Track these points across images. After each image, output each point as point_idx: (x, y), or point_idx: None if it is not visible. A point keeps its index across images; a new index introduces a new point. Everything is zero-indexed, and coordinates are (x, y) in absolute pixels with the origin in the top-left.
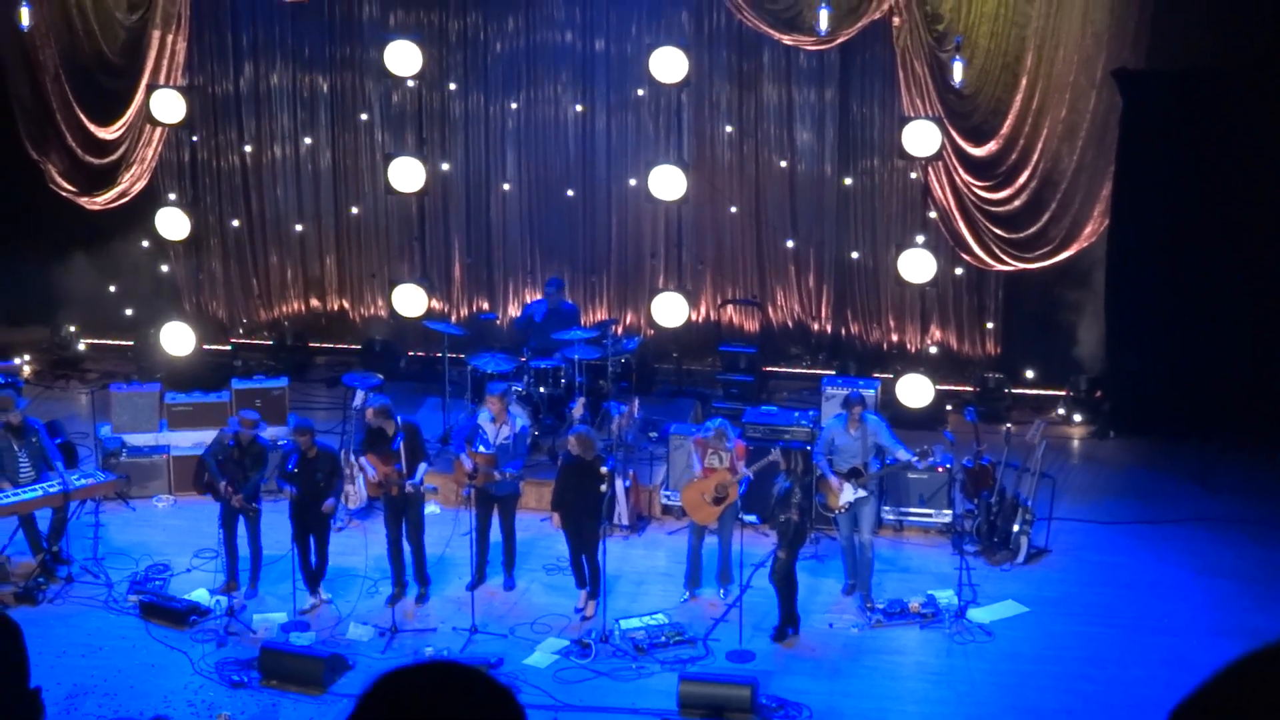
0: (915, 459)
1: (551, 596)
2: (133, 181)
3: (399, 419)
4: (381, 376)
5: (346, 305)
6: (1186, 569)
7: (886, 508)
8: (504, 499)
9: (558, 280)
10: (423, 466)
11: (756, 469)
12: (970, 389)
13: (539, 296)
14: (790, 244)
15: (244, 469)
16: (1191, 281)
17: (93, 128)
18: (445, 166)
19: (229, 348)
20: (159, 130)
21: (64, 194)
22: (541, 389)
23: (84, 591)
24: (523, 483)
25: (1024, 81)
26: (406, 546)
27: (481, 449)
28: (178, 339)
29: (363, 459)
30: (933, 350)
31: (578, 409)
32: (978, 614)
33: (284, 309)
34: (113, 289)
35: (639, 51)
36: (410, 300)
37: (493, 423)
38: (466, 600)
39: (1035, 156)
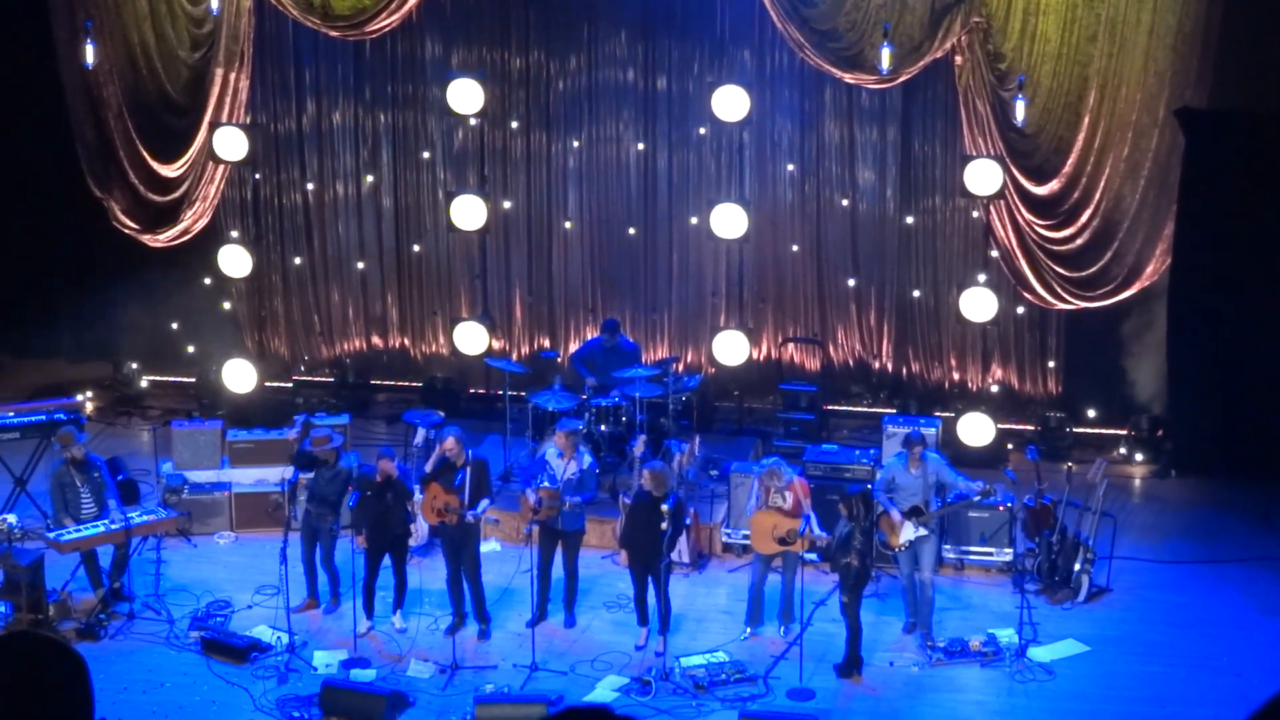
0: (977, 496)
1: (612, 634)
2: (195, 219)
3: (469, 453)
4: (443, 414)
5: (408, 343)
6: (1249, 608)
7: (947, 546)
8: (569, 535)
9: (613, 322)
10: (485, 502)
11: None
12: (1031, 428)
13: (598, 334)
14: (851, 282)
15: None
16: (1254, 321)
17: (155, 165)
18: (507, 204)
19: (291, 385)
20: (221, 168)
21: (126, 231)
22: (602, 427)
23: (146, 628)
24: (587, 520)
25: (1086, 120)
26: (465, 582)
27: (546, 484)
28: (239, 376)
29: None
30: (994, 389)
31: (638, 447)
32: (1039, 653)
33: (345, 346)
34: (175, 326)
35: (701, 90)
36: (472, 338)
37: (560, 459)
38: (527, 637)
39: (1097, 195)
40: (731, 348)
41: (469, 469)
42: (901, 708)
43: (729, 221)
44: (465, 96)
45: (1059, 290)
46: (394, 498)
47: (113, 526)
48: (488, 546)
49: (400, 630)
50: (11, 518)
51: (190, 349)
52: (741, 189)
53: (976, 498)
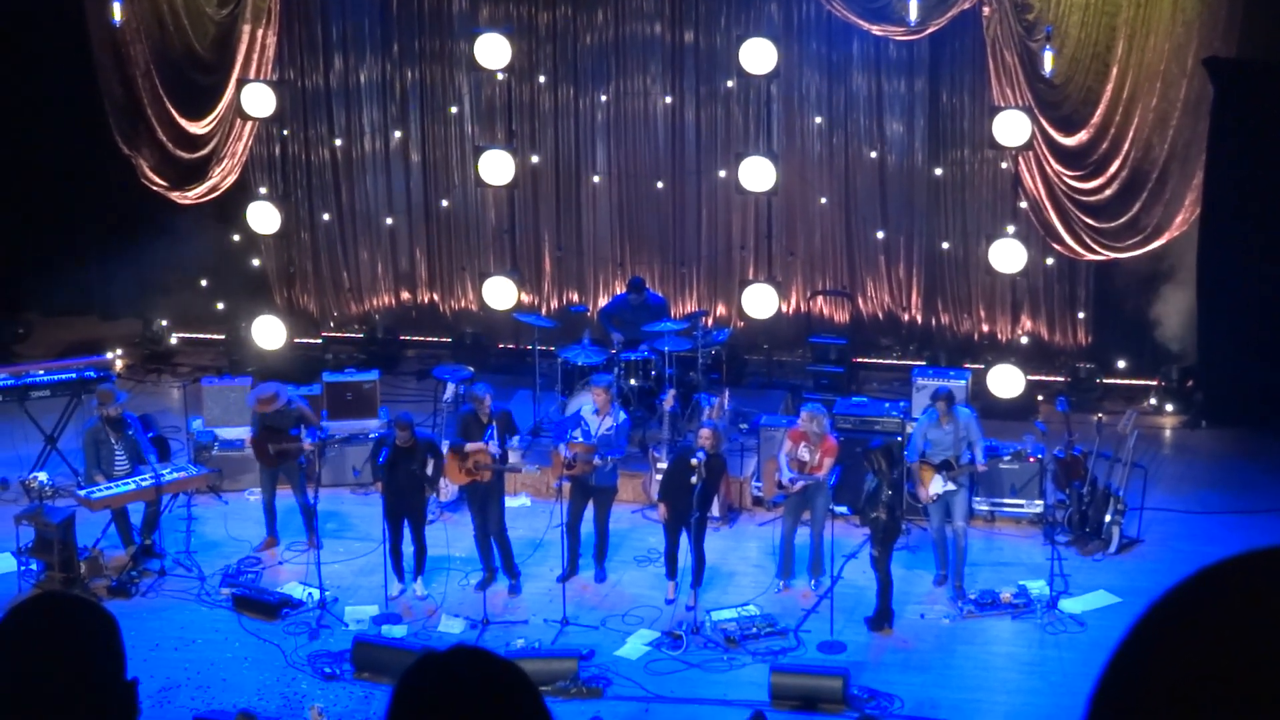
0: (983, 465)
1: (643, 588)
2: (223, 176)
3: (492, 408)
4: (472, 369)
5: (437, 298)
6: None
7: (979, 498)
8: (601, 492)
9: (638, 280)
10: (515, 447)
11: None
12: (1061, 379)
13: (624, 290)
14: (880, 235)
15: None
16: None
17: (184, 122)
18: (535, 159)
19: (320, 341)
20: (249, 124)
21: (155, 188)
22: (632, 381)
23: (177, 585)
24: (620, 476)
25: (1114, 70)
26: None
27: (580, 439)
28: (269, 332)
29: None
30: (1024, 340)
31: (668, 401)
32: (1069, 604)
33: (374, 302)
34: (204, 283)
35: (728, 43)
36: (500, 293)
37: (596, 414)
38: (558, 592)
39: (1126, 145)
40: (760, 301)
41: (496, 422)
42: (932, 660)
43: (757, 175)
44: (492, 51)
45: (1088, 241)
46: (419, 467)
47: (143, 484)
48: (518, 501)
49: (422, 598)
50: (42, 475)
51: (219, 306)
52: (769, 142)
53: (1007, 456)
